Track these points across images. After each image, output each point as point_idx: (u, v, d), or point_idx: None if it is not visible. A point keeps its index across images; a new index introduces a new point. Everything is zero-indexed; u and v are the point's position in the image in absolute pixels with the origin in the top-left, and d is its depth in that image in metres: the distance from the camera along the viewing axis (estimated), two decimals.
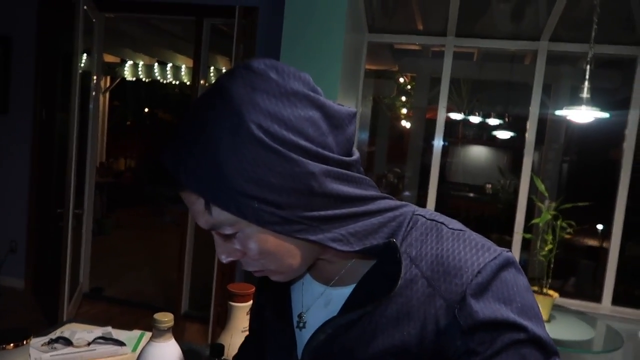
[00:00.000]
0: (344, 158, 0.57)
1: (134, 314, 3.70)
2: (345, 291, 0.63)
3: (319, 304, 0.67)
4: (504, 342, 0.53)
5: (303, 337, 0.67)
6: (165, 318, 0.88)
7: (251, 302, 1.09)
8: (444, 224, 0.63)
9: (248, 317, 1.09)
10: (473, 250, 0.58)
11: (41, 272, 4.04)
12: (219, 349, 0.98)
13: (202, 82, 3.55)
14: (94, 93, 3.63)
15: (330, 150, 0.55)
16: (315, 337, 0.63)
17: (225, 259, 0.61)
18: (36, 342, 1.24)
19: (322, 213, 0.55)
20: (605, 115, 2.12)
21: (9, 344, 1.00)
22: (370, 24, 3.37)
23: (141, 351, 0.87)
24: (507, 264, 0.57)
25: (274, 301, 0.73)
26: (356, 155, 0.61)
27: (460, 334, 0.54)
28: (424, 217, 0.64)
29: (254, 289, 1.10)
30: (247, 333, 1.10)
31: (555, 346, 0.56)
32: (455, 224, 0.64)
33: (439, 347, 0.56)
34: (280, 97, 0.53)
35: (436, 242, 0.60)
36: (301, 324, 0.68)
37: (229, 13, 3.26)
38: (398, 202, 0.64)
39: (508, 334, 0.53)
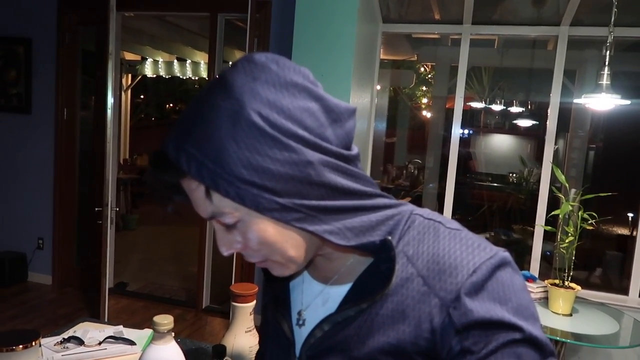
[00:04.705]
0: (343, 151, 0.57)
1: (156, 308, 3.77)
2: (343, 289, 0.64)
3: (317, 302, 0.68)
4: (499, 342, 0.52)
5: (302, 334, 0.68)
6: (165, 320, 0.88)
7: (254, 302, 1.09)
8: (442, 223, 0.63)
9: (251, 317, 1.08)
10: (469, 250, 0.58)
11: (68, 268, 4.15)
12: (220, 351, 0.98)
13: (217, 76, 3.56)
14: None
15: (328, 142, 0.56)
16: (313, 334, 0.64)
17: (226, 252, 0.61)
18: (49, 341, 1.26)
19: (321, 203, 0.55)
20: (626, 102, 2.04)
21: (18, 345, 1.02)
22: (385, 14, 3.32)
23: (142, 355, 0.88)
24: (503, 263, 0.57)
25: (274, 300, 0.74)
26: (355, 150, 0.61)
27: (454, 333, 0.54)
28: (422, 216, 0.64)
29: (256, 289, 1.10)
30: (250, 333, 1.09)
31: (551, 346, 0.56)
32: (453, 223, 0.64)
33: (434, 345, 0.56)
34: (280, 87, 0.54)
35: (433, 241, 0.60)
36: (300, 321, 0.69)
37: (242, 7, 3.25)
38: (396, 201, 0.64)
39: (503, 334, 0.53)
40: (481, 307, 0.53)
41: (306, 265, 0.68)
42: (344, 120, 0.58)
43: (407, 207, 0.65)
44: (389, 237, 0.59)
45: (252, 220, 0.56)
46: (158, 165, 0.57)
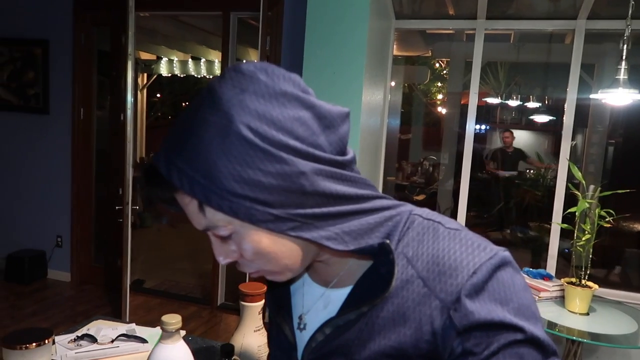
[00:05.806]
0: (337, 157, 0.56)
1: (172, 305, 3.81)
2: (344, 292, 0.64)
3: (318, 305, 0.67)
4: (501, 343, 0.52)
5: (304, 338, 0.68)
6: (173, 320, 0.88)
7: (262, 301, 1.09)
8: (441, 224, 0.62)
9: (260, 316, 1.09)
10: (469, 250, 0.57)
11: (86, 265, 4.22)
12: (228, 350, 0.98)
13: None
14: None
15: (321, 149, 0.55)
16: (314, 338, 0.64)
17: (223, 261, 0.61)
18: (63, 339, 1.28)
19: (316, 210, 0.54)
20: None
21: (32, 343, 1.04)
22: (398, 10, 3.29)
23: (150, 353, 0.89)
24: (504, 263, 0.56)
25: (276, 304, 0.74)
26: (350, 154, 0.60)
27: (456, 335, 0.54)
28: (421, 216, 0.63)
29: (265, 289, 1.10)
30: (259, 332, 1.10)
31: (554, 346, 0.55)
32: (453, 223, 0.63)
33: (435, 348, 0.55)
34: (269, 98, 0.53)
35: (432, 242, 0.59)
36: (301, 325, 0.69)
37: (254, 6, 3.25)
38: (395, 202, 0.64)
39: (505, 335, 0.52)
40: (482, 309, 0.53)
41: (306, 268, 0.68)
42: (337, 125, 0.57)
43: (406, 207, 0.64)
44: (387, 241, 0.58)
45: (246, 232, 0.56)
46: (150, 180, 0.58)
